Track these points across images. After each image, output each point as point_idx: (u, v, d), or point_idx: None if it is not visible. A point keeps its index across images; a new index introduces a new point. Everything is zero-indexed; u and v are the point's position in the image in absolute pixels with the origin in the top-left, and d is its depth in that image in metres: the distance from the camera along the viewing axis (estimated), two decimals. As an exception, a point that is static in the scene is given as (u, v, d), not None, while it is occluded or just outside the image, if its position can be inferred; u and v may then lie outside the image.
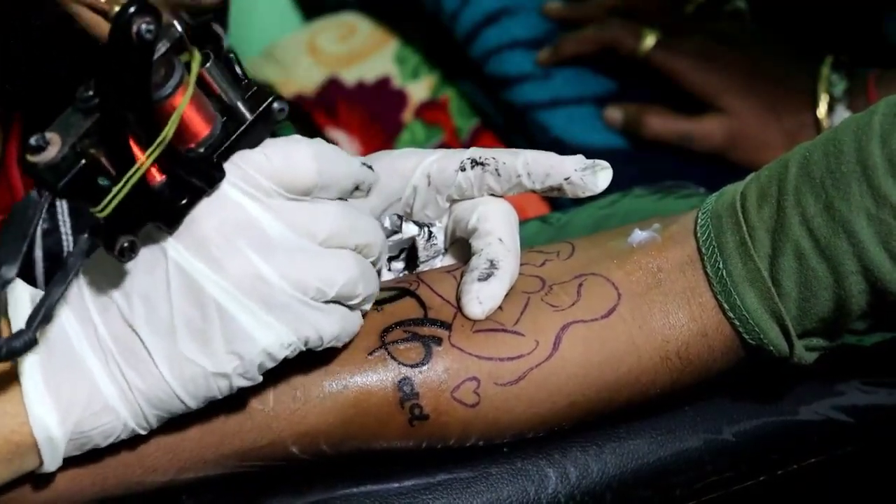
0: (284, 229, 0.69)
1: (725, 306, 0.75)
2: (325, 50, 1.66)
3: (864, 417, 0.81)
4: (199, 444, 0.73)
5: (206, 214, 0.68)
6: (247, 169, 0.69)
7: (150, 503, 0.75)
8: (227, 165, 0.69)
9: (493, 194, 0.79)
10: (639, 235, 0.79)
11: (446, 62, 1.61)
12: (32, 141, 0.64)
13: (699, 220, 0.77)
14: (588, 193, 0.79)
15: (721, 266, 0.75)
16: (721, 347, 0.77)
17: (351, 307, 0.72)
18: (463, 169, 0.79)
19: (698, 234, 0.77)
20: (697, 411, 0.80)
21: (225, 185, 0.69)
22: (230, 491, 0.76)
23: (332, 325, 0.70)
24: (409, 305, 0.77)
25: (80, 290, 0.69)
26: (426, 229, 0.80)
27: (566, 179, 0.78)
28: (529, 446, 0.77)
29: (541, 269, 0.79)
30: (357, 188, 0.73)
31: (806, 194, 0.74)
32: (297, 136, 0.71)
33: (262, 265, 0.68)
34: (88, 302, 0.69)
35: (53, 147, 0.64)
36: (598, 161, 0.79)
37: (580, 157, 0.79)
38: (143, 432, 0.70)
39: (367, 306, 0.73)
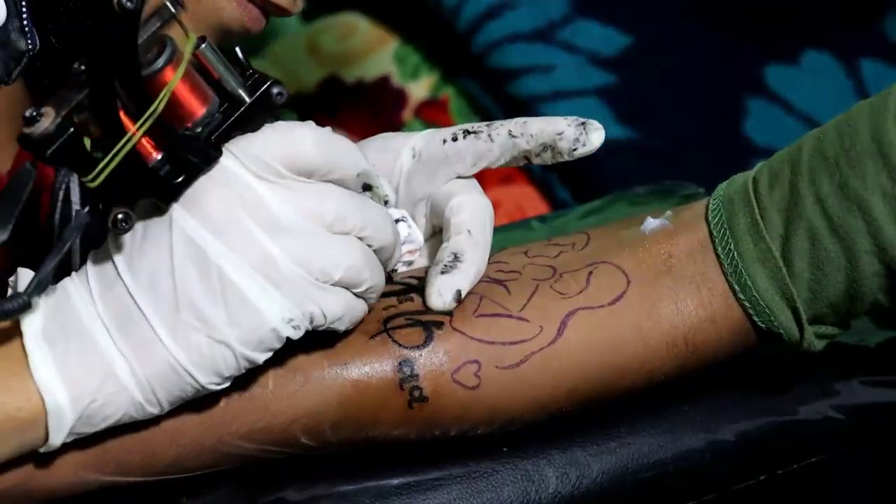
0: (291, 210, 0.69)
1: (736, 288, 0.75)
2: (324, 49, 1.66)
3: (865, 417, 0.80)
4: (199, 428, 0.73)
5: (213, 191, 0.68)
6: (252, 148, 0.69)
7: (150, 503, 0.75)
8: (232, 145, 0.69)
9: (487, 166, 0.79)
10: (651, 223, 0.78)
11: (446, 60, 1.62)
12: (27, 113, 0.65)
13: (710, 206, 0.77)
14: (581, 151, 0.78)
15: (732, 248, 0.75)
16: (730, 333, 0.76)
17: (356, 294, 0.72)
18: (455, 139, 0.78)
19: (710, 219, 0.76)
20: (698, 411, 0.79)
21: (232, 164, 0.69)
22: (230, 490, 0.75)
23: (336, 305, 0.70)
24: (416, 300, 0.77)
25: (87, 268, 0.69)
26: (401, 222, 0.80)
27: (559, 134, 0.78)
28: (529, 446, 0.76)
29: (555, 259, 0.79)
30: (367, 188, 0.73)
31: (820, 174, 0.74)
32: (303, 122, 0.71)
33: (268, 243, 0.68)
34: (92, 280, 0.69)
35: (47, 119, 0.65)
36: (590, 120, 0.79)
37: (573, 116, 0.79)
38: (155, 411, 0.70)
39: (374, 297, 0.73)
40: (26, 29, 0.76)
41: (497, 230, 0.84)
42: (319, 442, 0.74)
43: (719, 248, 0.75)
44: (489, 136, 0.78)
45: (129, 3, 0.63)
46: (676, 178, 1.12)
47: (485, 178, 0.83)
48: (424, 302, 0.75)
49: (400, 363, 0.74)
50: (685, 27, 1.58)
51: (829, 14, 1.62)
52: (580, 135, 0.77)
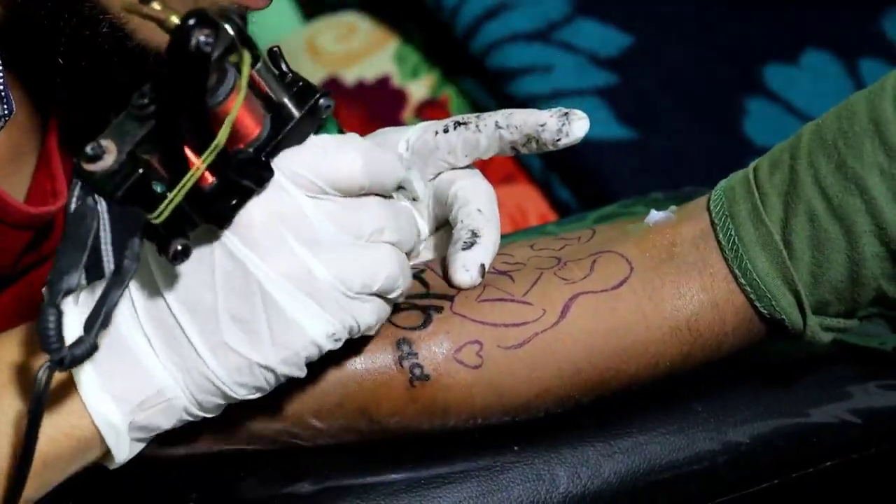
0: (330, 225, 0.69)
1: (737, 272, 0.75)
2: (324, 49, 1.66)
3: (880, 421, 0.80)
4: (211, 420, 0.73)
5: (255, 207, 0.68)
6: (297, 166, 0.69)
7: (159, 502, 0.75)
8: (276, 161, 0.69)
9: (478, 157, 0.80)
10: (655, 215, 0.79)
11: (446, 60, 1.62)
12: (89, 150, 0.63)
13: (713, 197, 0.78)
14: (565, 142, 0.78)
15: (733, 233, 0.76)
16: (733, 319, 0.76)
17: (387, 300, 0.72)
18: (446, 130, 0.79)
19: (711, 208, 0.77)
20: (710, 412, 0.79)
21: (275, 179, 0.69)
22: (245, 485, 0.75)
23: (370, 315, 0.71)
24: (413, 285, 0.77)
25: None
26: None
27: (542, 126, 0.78)
28: (540, 445, 0.77)
29: (560, 251, 0.80)
30: (400, 187, 0.74)
31: (818, 156, 0.74)
32: (349, 136, 0.72)
33: (308, 259, 0.68)
34: (134, 293, 0.69)
35: (109, 155, 0.64)
36: (574, 110, 0.79)
37: (558, 108, 0.80)
38: (206, 415, 0.70)
39: (401, 299, 0.74)
40: (2, 94, 0.76)
41: (512, 234, 0.85)
42: (328, 423, 0.75)
43: (720, 234, 0.76)
44: (477, 127, 0.79)
45: (206, 48, 0.62)
46: (676, 177, 1.12)
47: (485, 178, 0.84)
48: (448, 281, 0.76)
49: (398, 341, 0.74)
50: (685, 27, 1.58)
51: (829, 14, 1.62)
52: (563, 125, 0.78)
